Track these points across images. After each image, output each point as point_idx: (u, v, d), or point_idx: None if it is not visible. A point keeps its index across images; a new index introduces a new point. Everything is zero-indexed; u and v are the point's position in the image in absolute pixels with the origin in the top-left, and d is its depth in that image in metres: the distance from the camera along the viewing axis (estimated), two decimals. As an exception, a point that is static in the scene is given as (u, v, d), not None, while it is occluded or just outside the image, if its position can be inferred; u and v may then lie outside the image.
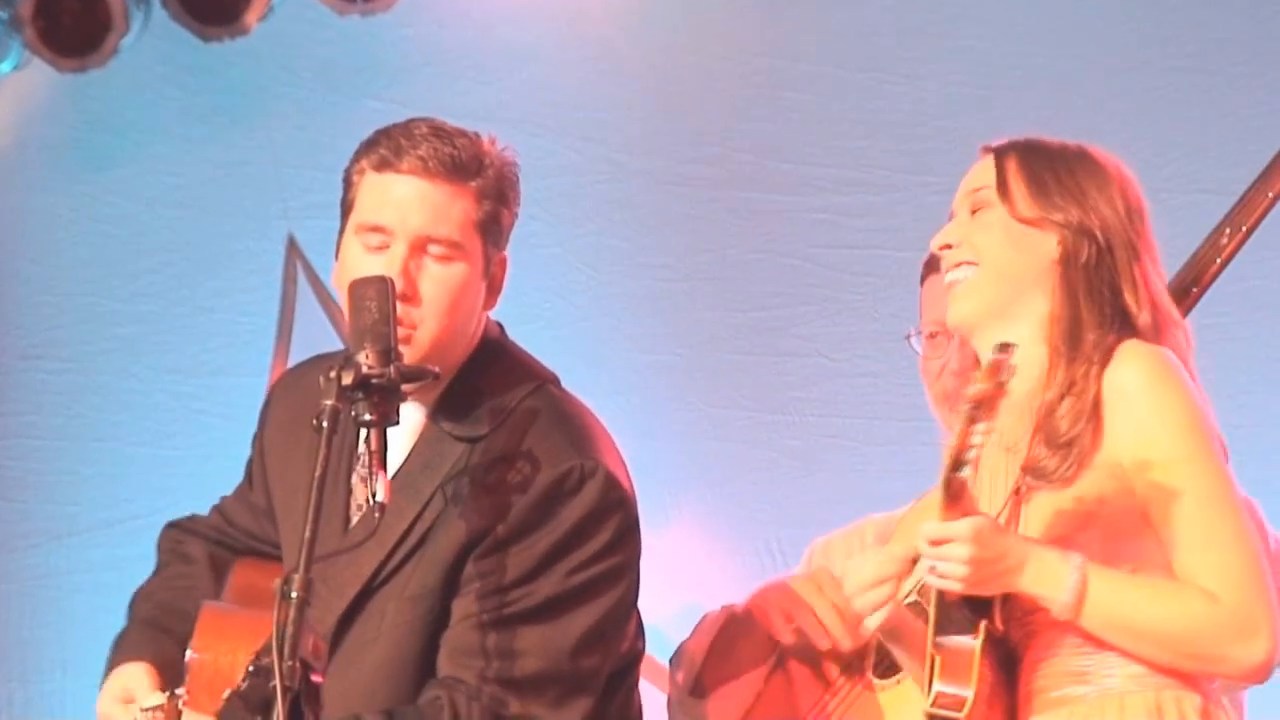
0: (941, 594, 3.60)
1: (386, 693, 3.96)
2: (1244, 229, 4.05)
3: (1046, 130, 4.61)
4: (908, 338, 4.38)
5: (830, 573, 3.95)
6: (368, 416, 3.39)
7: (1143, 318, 3.62)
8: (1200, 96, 6.93)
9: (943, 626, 3.56)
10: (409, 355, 3.91)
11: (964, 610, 3.56)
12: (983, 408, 3.43)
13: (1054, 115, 6.45)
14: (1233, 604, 3.47)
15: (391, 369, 3.39)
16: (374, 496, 3.40)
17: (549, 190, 7.01)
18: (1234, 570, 3.50)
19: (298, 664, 3.27)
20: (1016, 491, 3.62)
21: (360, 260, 3.98)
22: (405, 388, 3.91)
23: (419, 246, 3.79)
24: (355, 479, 4.02)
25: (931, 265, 4.08)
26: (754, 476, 6.25)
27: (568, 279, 7.22)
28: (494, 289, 4.07)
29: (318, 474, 3.31)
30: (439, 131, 4.05)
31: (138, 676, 3.87)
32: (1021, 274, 3.61)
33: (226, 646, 3.80)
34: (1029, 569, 3.72)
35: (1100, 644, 3.62)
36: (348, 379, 3.38)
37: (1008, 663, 3.62)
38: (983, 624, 3.59)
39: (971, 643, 3.60)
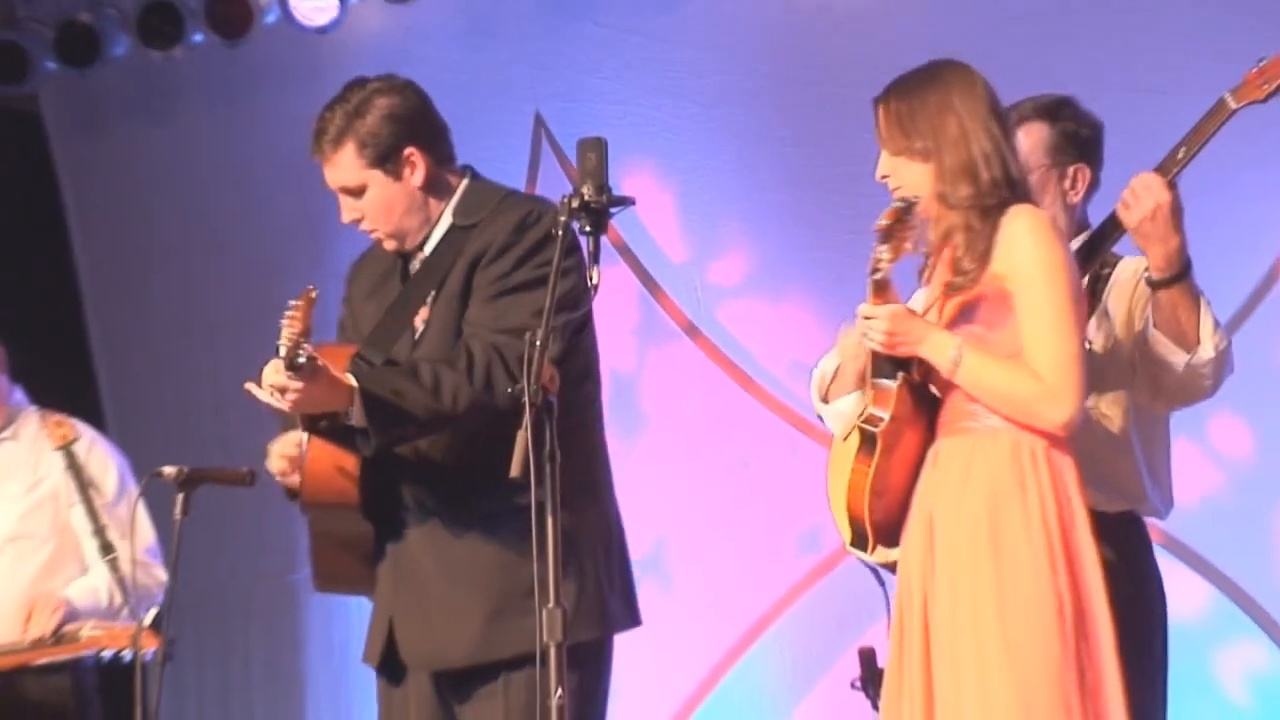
0: (875, 352, 3.83)
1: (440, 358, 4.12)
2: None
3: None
4: None
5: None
6: (588, 227, 3.47)
7: (1017, 186, 3.68)
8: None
9: (877, 373, 3.75)
10: (395, 243, 4.18)
11: (890, 364, 3.81)
12: (885, 236, 3.74)
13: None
14: (1052, 384, 3.54)
15: (604, 197, 3.48)
16: (591, 279, 3.50)
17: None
18: (1053, 363, 3.61)
19: (541, 387, 3.39)
20: (943, 294, 3.69)
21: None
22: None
23: (345, 193, 4.17)
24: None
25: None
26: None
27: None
28: (415, 170, 4.13)
29: (555, 262, 3.52)
30: (320, 117, 4.16)
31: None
32: (924, 187, 3.77)
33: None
34: (927, 343, 3.79)
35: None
36: (576, 203, 3.48)
37: (932, 401, 3.70)
38: (900, 374, 3.81)
39: (892, 385, 3.82)
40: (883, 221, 3.72)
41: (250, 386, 3.94)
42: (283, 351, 3.74)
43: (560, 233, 3.68)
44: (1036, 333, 3.71)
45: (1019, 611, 3.67)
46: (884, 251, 3.73)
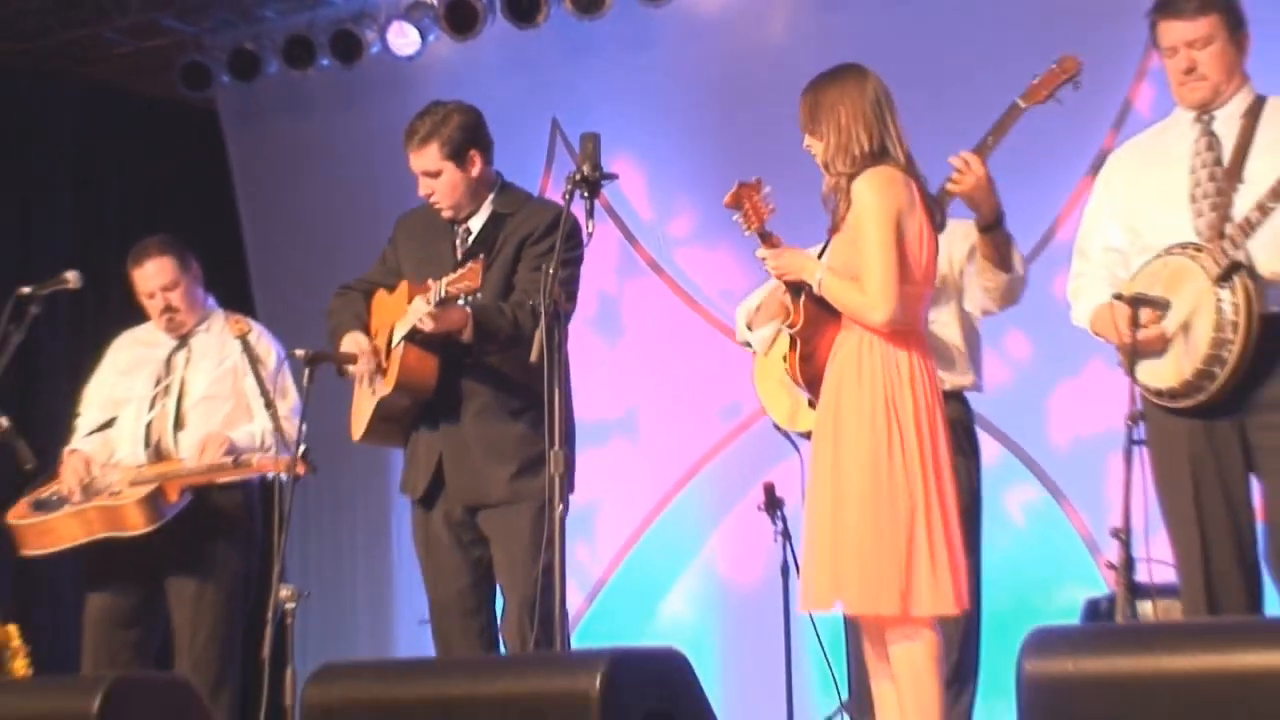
0: (786, 281, 3.94)
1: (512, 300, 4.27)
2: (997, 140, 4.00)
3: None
4: None
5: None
6: (586, 194, 3.38)
7: (883, 157, 3.60)
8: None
9: (792, 293, 3.61)
10: (451, 213, 4.12)
11: (795, 287, 3.88)
12: (736, 207, 3.68)
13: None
14: (871, 296, 3.44)
15: (597, 173, 3.38)
16: (587, 229, 3.42)
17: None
18: (874, 281, 3.46)
19: (553, 300, 3.44)
20: (828, 233, 3.69)
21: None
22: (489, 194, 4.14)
23: (425, 175, 4.30)
24: (457, 241, 4.33)
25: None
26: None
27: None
28: (475, 166, 4.18)
29: (567, 215, 3.50)
30: (412, 123, 4.18)
31: (361, 335, 4.44)
32: (828, 159, 3.68)
33: (384, 316, 4.29)
34: (804, 271, 3.82)
35: None
36: (578, 177, 3.40)
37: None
38: (803, 292, 3.69)
39: (799, 300, 3.85)
40: (726, 199, 3.82)
41: (417, 306, 4.07)
42: (444, 292, 4.04)
43: (568, 202, 3.81)
44: (864, 259, 3.72)
45: (843, 459, 3.71)
46: (741, 218, 3.85)
